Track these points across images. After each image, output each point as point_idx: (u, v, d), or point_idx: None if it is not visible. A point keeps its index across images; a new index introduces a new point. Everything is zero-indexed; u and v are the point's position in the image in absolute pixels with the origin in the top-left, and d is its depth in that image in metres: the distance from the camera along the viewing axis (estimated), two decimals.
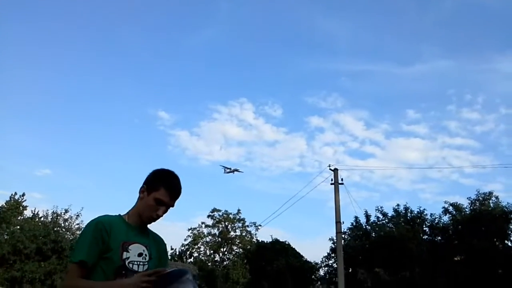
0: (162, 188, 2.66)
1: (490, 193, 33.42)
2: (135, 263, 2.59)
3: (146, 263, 2.63)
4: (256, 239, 43.29)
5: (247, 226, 45.49)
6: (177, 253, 44.69)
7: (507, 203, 32.58)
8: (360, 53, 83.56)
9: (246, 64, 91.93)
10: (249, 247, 41.94)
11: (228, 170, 50.97)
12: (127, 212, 2.77)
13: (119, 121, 79.74)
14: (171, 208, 2.73)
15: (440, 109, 79.22)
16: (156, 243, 2.79)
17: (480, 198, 33.20)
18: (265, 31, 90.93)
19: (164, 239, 2.92)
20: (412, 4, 78.01)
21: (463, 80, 74.21)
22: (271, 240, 38.18)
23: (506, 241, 31.73)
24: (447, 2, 73.63)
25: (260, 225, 44.26)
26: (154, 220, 2.72)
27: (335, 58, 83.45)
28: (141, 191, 2.73)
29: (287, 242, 37.38)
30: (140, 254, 2.62)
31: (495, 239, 31.06)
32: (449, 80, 74.26)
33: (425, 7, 76.22)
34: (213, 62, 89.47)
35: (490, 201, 32.99)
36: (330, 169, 25.98)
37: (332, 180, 25.65)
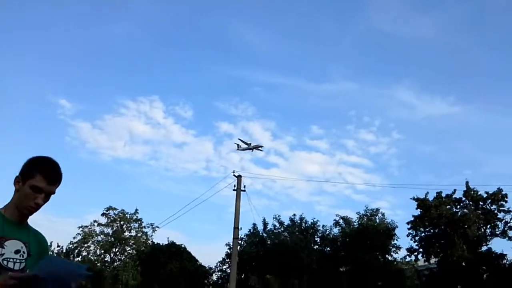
0: (37, 174, 2.45)
1: (377, 209, 36.08)
2: (11, 260, 2.39)
3: (23, 260, 2.43)
4: (152, 241, 42.16)
5: (144, 227, 44.12)
6: (64, 251, 42.01)
7: (391, 220, 35.43)
8: (275, 65, 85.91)
9: (161, 61, 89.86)
10: (143, 248, 40.69)
11: (246, 146, 46.29)
12: (4, 206, 2.53)
13: (12, 105, 73.43)
14: (53, 195, 2.53)
15: (340, 127, 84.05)
16: (37, 241, 2.59)
17: (368, 214, 35.66)
18: (184, 31, 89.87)
19: (46, 237, 2.70)
20: (331, 24, 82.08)
21: (363, 102, 79.71)
22: (167, 242, 37.47)
23: (387, 256, 34.36)
24: (361, 26, 78.56)
25: (157, 227, 43.19)
26: (35, 210, 2.50)
27: (251, 67, 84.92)
28: (16, 183, 2.51)
29: (183, 246, 36.95)
30: (17, 251, 2.42)
31: (377, 253, 33.46)
32: (352, 101, 79.24)
33: (343, 29, 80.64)
34: (126, 55, 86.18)
35: (377, 217, 35.58)
36: (234, 175, 26.32)
37: (235, 186, 25.95)
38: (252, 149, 46.35)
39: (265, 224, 36.12)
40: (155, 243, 39.16)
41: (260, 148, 47.62)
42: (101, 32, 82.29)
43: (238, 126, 76.45)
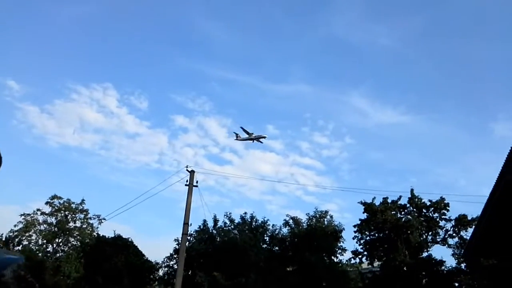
0: None
1: (326, 212, 36.83)
2: None
3: None
4: (97, 233, 41.02)
5: (90, 218, 42.88)
6: (4, 239, 40.14)
7: (339, 222, 36.25)
8: (235, 61, 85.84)
9: (117, 49, 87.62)
10: (87, 240, 39.51)
11: (247, 136, 41.54)
12: None
13: None
14: None
15: (296, 129, 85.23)
16: None
17: (317, 216, 36.33)
18: (144, 20, 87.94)
19: None
20: (292, 26, 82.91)
21: (319, 106, 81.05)
22: (113, 235, 36.54)
23: (333, 257, 35.13)
24: (321, 31, 79.88)
25: (104, 219, 42.14)
26: None
27: (210, 62, 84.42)
28: None
29: (130, 239, 36.13)
30: None
31: (324, 254, 34.14)
32: (308, 104, 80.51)
33: (303, 32, 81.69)
34: (81, 39, 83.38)
35: (325, 219, 36.29)
36: (187, 170, 25.96)
37: (187, 181, 25.64)
38: (253, 139, 43.39)
39: (215, 221, 36.04)
40: (101, 235, 38.08)
41: (261, 140, 44.85)
42: (57, 14, 79.35)
43: (194, 120, 75.80)
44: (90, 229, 42.42)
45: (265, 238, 36.37)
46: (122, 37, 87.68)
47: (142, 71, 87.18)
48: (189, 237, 32.76)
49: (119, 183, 77.75)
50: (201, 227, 35.56)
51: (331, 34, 76.56)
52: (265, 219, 36.75)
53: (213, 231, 35.73)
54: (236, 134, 44.97)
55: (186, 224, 25.19)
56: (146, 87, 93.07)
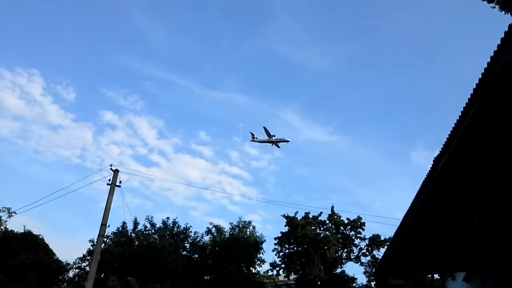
0: None
1: (250, 222, 37.11)
2: None
3: None
4: (5, 227, 38.16)
5: None
6: None
7: (261, 234, 36.66)
8: (172, 63, 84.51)
9: (48, 35, 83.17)
10: None
11: (266, 139, 33.45)
12: None
13: None
14: None
15: (227, 137, 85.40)
16: None
17: (240, 225, 36.48)
18: (79, 8, 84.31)
19: None
20: (234, 35, 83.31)
21: (252, 117, 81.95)
22: (23, 231, 34.21)
23: (251, 268, 35.39)
24: (261, 44, 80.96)
25: (14, 212, 39.28)
26: None
27: (146, 60, 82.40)
28: None
29: (40, 236, 34.01)
30: None
31: (243, 265, 34.30)
32: (242, 114, 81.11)
33: (243, 43, 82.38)
34: (8, 18, 78.23)
35: (248, 230, 36.53)
36: (111, 169, 25.02)
37: (110, 180, 24.70)
38: (272, 142, 35.70)
39: (135, 224, 34.91)
40: (9, 230, 35.48)
41: (278, 144, 38.06)
42: None
43: (123, 118, 73.44)
44: None
45: (186, 245, 35.82)
46: (54, 23, 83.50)
47: (73, 61, 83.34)
48: (105, 239, 31.49)
49: (34, 175, 73.29)
50: (120, 229, 34.28)
51: (269, 48, 78.14)
52: (188, 225, 36.27)
53: (132, 234, 34.59)
54: (252, 135, 39.65)
55: (104, 225, 24.19)
56: (75, 78, 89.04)
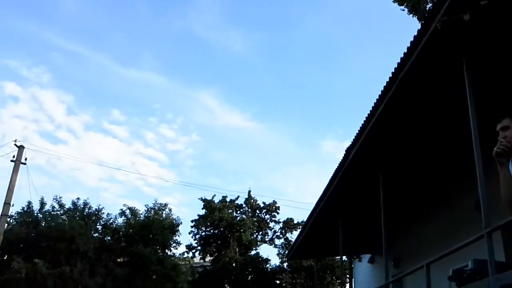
0: None
1: (166, 204, 36.60)
2: None
3: None
4: None
5: None
6: None
7: (177, 216, 36.42)
8: (83, 33, 79.01)
9: None
10: None
11: None
12: None
13: None
14: None
15: (143, 118, 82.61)
16: None
17: (156, 208, 35.89)
18: None
19: None
20: (147, 10, 79.92)
21: (170, 99, 79.96)
22: None
23: (166, 250, 35.13)
24: (177, 22, 78.77)
25: None
26: None
27: (55, 28, 76.45)
28: None
29: None
30: None
31: (158, 247, 33.92)
32: (158, 94, 78.62)
33: (158, 18, 79.41)
34: None
35: (164, 212, 36.07)
36: (15, 144, 23.42)
37: (14, 157, 23.08)
38: None
39: (42, 204, 32.84)
40: None
41: None
42: None
43: (28, 90, 68.08)
44: None
45: (98, 227, 34.52)
46: None
47: None
48: (9, 219, 29.47)
49: None
50: (25, 209, 32.17)
51: (187, 28, 76.14)
52: (100, 206, 34.86)
53: (39, 214, 32.61)
54: None
55: (7, 204, 22.75)
56: None
